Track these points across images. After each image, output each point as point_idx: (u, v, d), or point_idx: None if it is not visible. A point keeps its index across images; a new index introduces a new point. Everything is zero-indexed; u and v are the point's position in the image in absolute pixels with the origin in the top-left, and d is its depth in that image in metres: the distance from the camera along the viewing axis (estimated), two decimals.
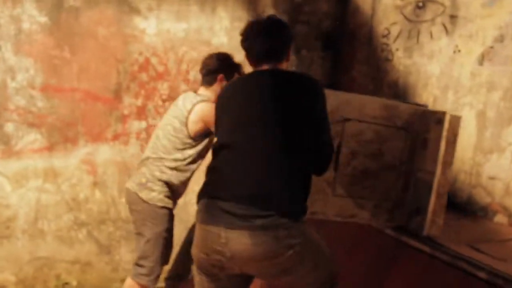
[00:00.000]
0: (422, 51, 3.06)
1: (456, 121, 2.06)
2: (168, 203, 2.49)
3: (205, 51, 3.33)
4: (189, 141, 2.42)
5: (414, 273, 2.05)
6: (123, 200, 3.19)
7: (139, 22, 3.11)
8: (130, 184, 2.51)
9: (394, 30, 3.27)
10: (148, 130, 3.25)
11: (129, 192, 2.51)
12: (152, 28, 3.17)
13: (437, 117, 2.07)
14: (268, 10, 3.52)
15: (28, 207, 2.99)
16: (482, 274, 1.77)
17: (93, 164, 3.11)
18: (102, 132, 3.11)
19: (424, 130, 2.12)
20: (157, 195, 2.43)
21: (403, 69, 3.21)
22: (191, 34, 3.30)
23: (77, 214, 3.11)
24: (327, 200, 2.06)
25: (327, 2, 3.75)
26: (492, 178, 2.58)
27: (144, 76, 3.20)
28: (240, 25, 3.36)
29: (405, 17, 3.16)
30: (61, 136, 3.00)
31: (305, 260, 1.63)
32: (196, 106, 2.41)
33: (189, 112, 2.41)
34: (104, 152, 3.13)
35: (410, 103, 2.41)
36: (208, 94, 2.55)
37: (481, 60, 2.68)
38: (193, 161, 2.49)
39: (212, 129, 2.30)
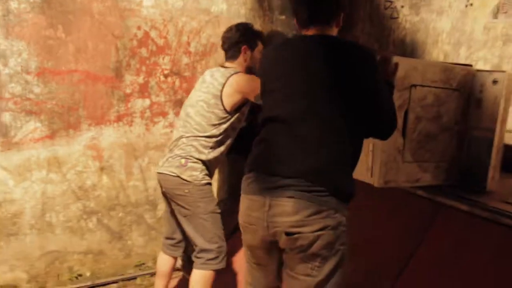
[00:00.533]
0: (431, 7, 3.09)
1: (511, 79, 2.15)
2: (209, 179, 2.52)
3: (204, 20, 3.31)
4: (225, 115, 2.43)
5: (453, 232, 2.20)
6: (132, 183, 3.21)
7: None
8: (167, 169, 2.46)
9: None
10: (152, 108, 3.23)
11: (167, 178, 2.46)
12: (148, 0, 3.13)
13: (494, 77, 2.15)
14: None
15: (34, 200, 2.92)
16: None
17: (98, 149, 3.05)
18: (105, 114, 3.04)
19: (478, 90, 2.21)
20: (199, 174, 2.45)
21: (410, 27, 3.26)
22: (189, 3, 3.21)
23: (86, 203, 3.06)
24: (398, 167, 2.13)
25: None
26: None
27: (144, 52, 3.12)
28: None
29: None
30: (62, 122, 2.91)
31: (327, 265, 1.65)
32: (230, 78, 2.41)
33: (223, 85, 2.41)
34: (109, 135, 3.06)
35: (458, 64, 2.48)
36: (235, 67, 2.53)
37: (496, 13, 2.75)
38: (228, 136, 2.51)
39: (251, 99, 2.39)
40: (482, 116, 2.18)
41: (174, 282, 3.09)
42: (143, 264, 3.29)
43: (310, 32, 1.80)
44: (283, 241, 1.67)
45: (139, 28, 3.05)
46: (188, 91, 3.28)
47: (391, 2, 3.35)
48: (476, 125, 2.21)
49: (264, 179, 1.69)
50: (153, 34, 3.11)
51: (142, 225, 3.26)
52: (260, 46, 2.59)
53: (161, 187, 2.58)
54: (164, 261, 2.67)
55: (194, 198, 2.45)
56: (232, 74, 2.43)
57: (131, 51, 3.05)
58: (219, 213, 2.52)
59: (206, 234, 2.47)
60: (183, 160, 2.43)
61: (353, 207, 1.80)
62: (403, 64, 1.99)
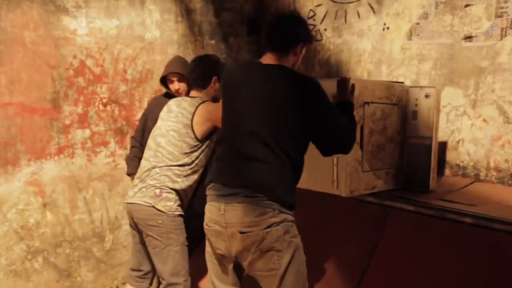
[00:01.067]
0: (351, 30, 3.55)
1: (439, 93, 2.62)
2: (181, 211, 2.57)
3: (139, 47, 3.46)
4: (197, 143, 2.54)
5: (404, 231, 2.59)
6: (77, 217, 3.21)
7: (68, 22, 3.04)
8: (140, 199, 2.51)
9: (320, 12, 3.72)
10: (93, 138, 3.28)
11: (141, 208, 2.51)
12: (83, 28, 3.15)
13: (426, 92, 2.61)
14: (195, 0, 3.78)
15: None
16: (467, 219, 2.37)
17: (40, 184, 3.01)
18: (45, 147, 3.02)
19: (413, 104, 2.65)
20: (173, 204, 2.51)
21: (334, 48, 3.69)
22: (124, 30, 3.33)
23: (30, 242, 2.99)
24: (359, 177, 2.46)
25: None
26: None
27: (81, 81, 3.16)
28: (170, 17, 3.57)
29: None
30: None
31: (284, 257, 1.94)
32: (200, 107, 2.52)
33: (193, 114, 2.52)
34: (50, 169, 3.05)
35: (393, 82, 2.90)
36: (202, 96, 2.67)
37: (410, 35, 3.25)
38: (200, 164, 2.61)
39: (219, 125, 2.44)
40: (418, 126, 2.62)
41: None
42: None
43: (268, 57, 2.08)
44: (239, 241, 1.95)
45: (74, 57, 3.10)
46: (127, 119, 3.41)
47: (314, 25, 3.79)
48: (415, 134, 2.64)
49: (220, 188, 2.02)
50: (89, 62, 3.18)
51: (90, 259, 3.25)
52: None
53: (131, 218, 2.60)
54: None
55: (166, 229, 2.51)
56: (200, 103, 2.55)
57: (68, 81, 3.09)
58: (187, 245, 2.61)
59: (175, 267, 2.55)
60: (157, 190, 2.50)
61: (308, 219, 2.13)
62: (358, 84, 2.34)
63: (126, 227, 3.43)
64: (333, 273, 2.67)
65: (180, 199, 2.58)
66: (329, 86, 2.25)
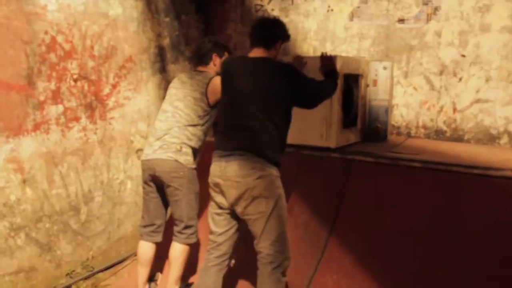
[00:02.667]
0: (298, 10, 3.92)
1: (393, 66, 3.26)
2: (195, 165, 2.96)
3: (104, 24, 3.48)
4: (208, 108, 2.91)
5: (365, 178, 3.09)
6: (54, 191, 3.22)
7: None
8: (164, 155, 2.83)
9: None
10: (66, 114, 3.25)
11: (164, 162, 2.83)
12: (52, 3, 3.09)
13: (384, 65, 3.20)
14: None
15: None
16: (416, 164, 2.93)
17: (19, 161, 2.94)
18: (22, 124, 2.95)
19: (374, 74, 3.23)
20: (191, 159, 2.88)
21: None
22: (90, 7, 3.31)
23: (12, 219, 2.93)
24: (342, 132, 3.05)
25: None
26: None
27: (53, 57, 3.11)
28: None
29: None
30: None
31: (269, 202, 2.40)
32: (213, 80, 2.90)
33: (207, 84, 2.90)
34: (28, 145, 2.98)
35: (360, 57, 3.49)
36: (208, 71, 3.03)
37: (351, 17, 3.72)
38: (208, 126, 2.97)
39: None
40: (378, 91, 3.19)
41: None
42: (73, 271, 3.31)
43: (255, 51, 2.60)
44: (235, 190, 2.39)
45: (46, 33, 3.05)
46: (96, 94, 3.44)
47: (262, 5, 4.09)
48: (375, 97, 3.22)
49: (221, 152, 2.49)
50: (60, 38, 3.15)
51: (68, 232, 3.27)
52: (226, 55, 3.10)
53: (149, 174, 2.92)
54: (146, 248, 2.94)
55: (187, 179, 2.88)
56: (212, 77, 2.91)
57: (40, 57, 3.03)
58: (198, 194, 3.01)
59: (191, 212, 2.93)
60: (179, 146, 2.84)
61: (284, 178, 2.56)
62: (340, 59, 2.83)
63: (98, 199, 3.50)
64: (309, 218, 3.10)
65: (194, 154, 2.93)
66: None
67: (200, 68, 3.08)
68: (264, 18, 3.03)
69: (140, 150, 3.76)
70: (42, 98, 3.06)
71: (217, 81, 2.89)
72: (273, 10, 4.00)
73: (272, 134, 2.48)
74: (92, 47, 3.34)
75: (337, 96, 2.94)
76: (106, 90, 3.47)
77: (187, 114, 2.91)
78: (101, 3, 3.38)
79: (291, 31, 3.96)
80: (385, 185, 2.97)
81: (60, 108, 3.19)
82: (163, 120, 2.96)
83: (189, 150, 2.90)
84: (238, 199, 2.44)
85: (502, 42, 3.24)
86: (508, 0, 3.20)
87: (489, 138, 3.37)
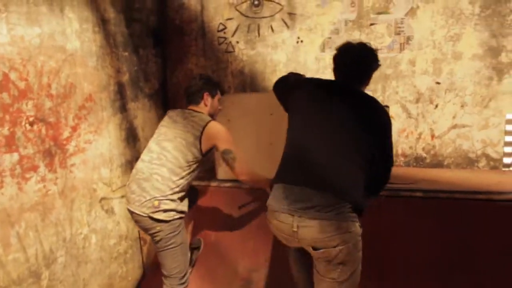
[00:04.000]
0: (265, 42, 3.74)
1: None
2: (181, 214, 2.72)
3: (61, 60, 3.04)
4: (199, 156, 2.70)
5: (368, 214, 2.91)
6: (11, 256, 2.66)
7: None
8: (138, 209, 2.63)
9: (231, 25, 3.82)
10: (22, 163, 2.74)
11: (140, 218, 2.66)
12: (4, 36, 2.63)
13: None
14: (108, 8, 3.42)
15: None
16: (418, 194, 2.81)
17: None
18: None
19: None
20: (172, 213, 2.64)
21: (247, 59, 3.81)
22: (46, 40, 2.86)
23: None
24: None
25: None
26: None
27: (6, 97, 2.62)
28: (88, 27, 3.24)
29: (242, 14, 3.79)
30: None
31: (347, 270, 2.09)
32: (210, 124, 2.71)
33: (203, 128, 2.68)
34: None
35: None
36: (200, 111, 2.84)
37: (323, 48, 3.63)
38: (193, 177, 2.80)
39: (220, 148, 2.75)
40: None
41: None
42: None
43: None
44: (311, 252, 2.10)
45: None
46: (55, 139, 2.95)
47: (225, 38, 3.86)
48: None
49: (290, 195, 2.13)
50: (13, 76, 2.67)
51: None
52: (218, 95, 2.89)
53: (134, 221, 2.80)
54: None
55: (165, 233, 2.68)
56: (210, 120, 2.75)
57: None
58: (186, 243, 2.85)
59: (174, 264, 2.77)
60: (156, 202, 2.60)
61: None
62: None
63: (61, 259, 2.96)
64: None
65: (179, 203, 2.72)
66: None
67: (192, 108, 2.88)
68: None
69: (104, 199, 3.31)
70: None
71: (219, 127, 2.75)
72: (238, 42, 3.80)
73: (360, 176, 2.14)
74: (49, 85, 2.89)
75: None
76: (66, 134, 3.00)
77: (175, 157, 2.68)
78: (58, 36, 2.95)
79: (258, 64, 3.84)
80: (388, 217, 2.82)
81: (15, 156, 2.68)
82: (146, 161, 2.75)
83: (169, 205, 2.66)
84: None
85: (474, 69, 3.30)
86: (476, 30, 3.28)
87: (468, 162, 3.39)
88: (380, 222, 2.85)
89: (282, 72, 3.81)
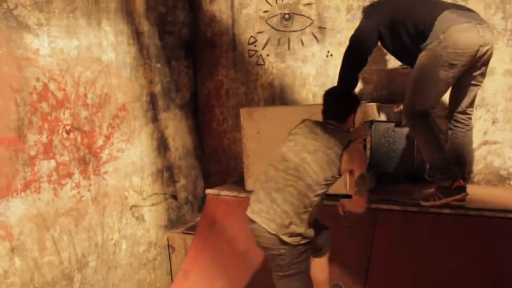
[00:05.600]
0: (295, 55, 3.77)
1: None
2: (310, 234, 2.37)
3: (97, 70, 3.16)
4: (337, 176, 2.40)
5: (395, 230, 2.92)
6: (46, 259, 2.78)
7: (30, 40, 2.65)
8: (267, 224, 2.27)
9: (262, 38, 3.87)
10: (58, 170, 2.85)
11: (264, 234, 2.29)
12: (45, 48, 2.75)
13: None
14: (143, 21, 3.55)
15: None
16: (446, 210, 2.79)
17: (6, 227, 2.49)
18: (11, 183, 2.53)
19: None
20: (300, 237, 2.29)
21: (277, 72, 3.86)
22: (83, 52, 2.98)
23: None
24: None
25: (182, 11, 4.02)
26: None
27: (45, 106, 2.74)
28: (123, 39, 3.37)
29: (272, 27, 3.85)
30: None
31: None
32: (352, 145, 2.42)
33: (346, 147, 2.38)
34: (17, 208, 2.55)
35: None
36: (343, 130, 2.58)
37: None
38: (326, 191, 2.45)
39: (357, 173, 2.41)
40: None
41: None
42: None
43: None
44: None
45: (37, 79, 2.69)
46: (89, 147, 3.07)
47: (256, 51, 3.93)
48: None
49: None
50: (52, 86, 2.79)
51: None
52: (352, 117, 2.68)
53: (253, 235, 2.41)
54: None
55: (290, 259, 2.32)
56: (352, 141, 2.46)
57: (32, 106, 2.65)
58: (308, 271, 2.49)
59: None
60: (287, 221, 2.26)
61: None
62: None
63: (92, 263, 3.06)
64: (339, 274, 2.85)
65: (305, 226, 2.34)
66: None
67: (333, 122, 2.55)
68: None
69: (134, 206, 3.40)
70: (33, 153, 2.66)
71: (357, 148, 2.48)
72: (268, 55, 3.85)
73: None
74: (85, 95, 3.01)
75: None
76: (100, 142, 3.11)
77: (315, 172, 2.35)
78: (95, 48, 3.08)
79: (288, 77, 3.88)
80: (415, 234, 2.79)
81: (52, 163, 2.79)
82: (281, 170, 2.40)
83: (300, 227, 2.30)
84: None
85: (506, 85, 3.25)
86: (509, 45, 3.24)
87: (499, 179, 3.32)
88: (403, 238, 2.83)
89: (311, 85, 3.84)
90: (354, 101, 2.65)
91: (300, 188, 2.33)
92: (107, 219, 3.19)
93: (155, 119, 3.66)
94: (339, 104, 2.61)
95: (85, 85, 3.02)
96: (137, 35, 3.46)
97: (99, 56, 3.13)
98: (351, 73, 3.02)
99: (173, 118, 3.87)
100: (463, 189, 2.75)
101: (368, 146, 3.24)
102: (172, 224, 3.80)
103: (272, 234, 2.28)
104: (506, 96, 3.26)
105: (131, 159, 3.41)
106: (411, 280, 2.69)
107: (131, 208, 3.39)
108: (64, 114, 2.88)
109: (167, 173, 3.78)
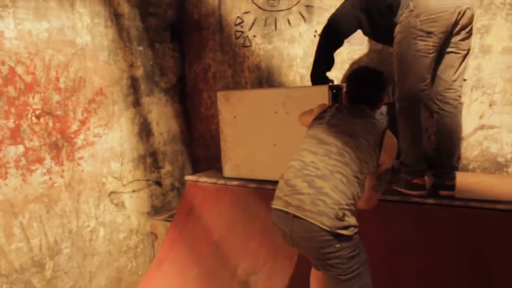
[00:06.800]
0: (282, 36, 3.65)
1: None
2: (356, 222, 2.07)
3: (71, 53, 3.13)
4: (375, 166, 2.15)
5: (375, 220, 2.79)
6: (14, 246, 2.77)
7: None
8: (317, 218, 1.92)
9: (248, 19, 3.76)
10: (27, 155, 2.85)
11: (310, 228, 1.95)
12: (11, 30, 2.74)
13: None
14: (122, 3, 3.48)
15: None
16: (430, 200, 2.67)
17: None
18: None
19: None
20: (352, 227, 1.99)
21: (264, 54, 3.75)
22: (54, 34, 2.96)
23: None
24: None
25: None
26: None
27: (11, 90, 2.74)
28: (100, 21, 3.31)
29: (259, 7, 3.73)
30: None
31: None
32: (388, 132, 2.18)
33: (383, 134, 2.14)
34: None
35: None
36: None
37: None
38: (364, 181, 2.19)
39: (387, 165, 2.18)
40: None
41: None
42: None
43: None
44: None
45: (3, 63, 2.67)
46: (62, 131, 3.05)
47: (242, 32, 3.83)
48: None
49: None
50: (19, 70, 2.78)
51: None
52: None
53: (284, 232, 2.09)
54: None
55: (346, 253, 1.99)
56: (387, 128, 2.21)
57: None
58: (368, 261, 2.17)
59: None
60: (341, 213, 1.93)
61: None
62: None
63: (66, 250, 3.06)
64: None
65: (355, 215, 2.06)
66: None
67: (365, 108, 2.29)
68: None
69: (113, 192, 3.38)
70: None
71: (393, 137, 2.20)
72: (255, 36, 3.75)
73: None
74: (57, 79, 2.98)
75: None
76: (74, 127, 3.08)
77: (358, 158, 2.07)
78: (67, 31, 3.04)
79: (275, 59, 3.75)
80: (396, 225, 2.67)
81: (20, 148, 2.78)
82: (321, 154, 2.09)
83: (352, 218, 2.00)
84: None
85: (504, 64, 3.05)
86: (508, 20, 3.04)
87: (497, 167, 3.14)
88: (384, 229, 2.71)
89: (299, 67, 3.72)
90: (387, 84, 2.43)
91: (348, 176, 2.05)
92: (83, 206, 3.17)
93: (136, 103, 3.61)
94: (373, 86, 2.31)
95: (57, 69, 2.99)
96: (115, 17, 3.40)
97: (72, 39, 3.08)
98: (327, 53, 2.95)
99: (157, 103, 3.82)
100: (422, 187, 2.68)
101: None
102: (156, 211, 3.78)
103: (325, 230, 1.94)
104: (504, 76, 3.07)
105: (110, 144, 3.37)
106: (391, 272, 2.58)
107: (109, 195, 3.36)
108: (33, 98, 2.85)
109: (150, 159, 3.75)
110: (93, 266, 3.26)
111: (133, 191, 3.58)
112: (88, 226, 3.22)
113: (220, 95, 3.27)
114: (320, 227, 1.92)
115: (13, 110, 2.75)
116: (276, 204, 2.09)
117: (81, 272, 3.17)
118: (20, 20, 2.77)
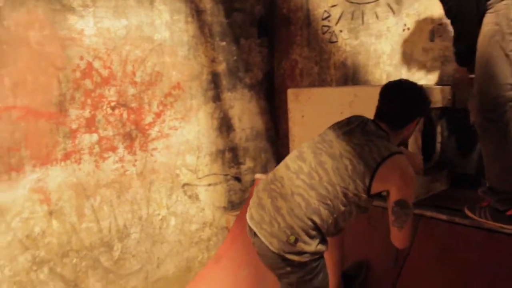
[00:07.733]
0: (369, 31, 3.39)
1: None
2: (322, 248, 1.99)
3: (148, 49, 3.34)
4: (362, 195, 1.94)
5: (434, 239, 2.50)
6: (84, 225, 3.04)
7: (75, 21, 2.92)
8: (268, 239, 1.93)
9: (335, 13, 3.58)
10: (101, 143, 3.15)
11: (264, 248, 1.96)
12: (90, 28, 3.04)
13: None
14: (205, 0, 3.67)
15: None
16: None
17: (45, 192, 2.86)
18: (51, 153, 2.87)
19: None
20: (308, 254, 1.93)
21: (350, 50, 3.53)
22: (132, 31, 3.20)
23: (35, 252, 2.83)
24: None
25: None
26: None
27: (88, 83, 3.04)
28: (180, 17, 3.45)
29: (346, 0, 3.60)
30: (3, 164, 2.68)
31: None
32: (395, 157, 1.92)
33: (383, 160, 1.90)
34: (56, 176, 2.90)
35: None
36: (393, 137, 2.06)
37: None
38: (351, 212, 2.03)
39: (397, 195, 1.93)
40: None
41: None
42: None
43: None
44: None
45: (81, 58, 2.96)
46: (136, 123, 3.29)
47: (329, 27, 3.67)
48: None
49: None
50: (96, 64, 3.05)
51: (98, 269, 3.09)
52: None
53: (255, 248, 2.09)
54: None
55: (298, 276, 1.97)
56: (396, 153, 1.95)
57: (74, 83, 2.95)
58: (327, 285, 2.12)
59: None
60: (292, 238, 1.87)
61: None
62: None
63: (135, 235, 3.30)
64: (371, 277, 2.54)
65: (316, 241, 1.95)
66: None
67: (382, 125, 2.05)
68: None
69: (187, 184, 3.51)
70: (74, 126, 2.95)
71: (400, 163, 1.93)
72: (341, 31, 3.53)
73: None
74: (133, 73, 3.19)
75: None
76: (149, 119, 3.29)
77: (330, 182, 1.92)
78: (146, 27, 3.24)
79: (361, 55, 3.51)
80: (459, 250, 2.29)
81: (95, 137, 3.05)
82: (291, 170, 2.03)
83: (309, 245, 1.91)
84: None
85: None
86: None
87: None
88: (445, 252, 2.31)
89: (385, 64, 3.38)
90: (423, 104, 2.10)
91: (311, 200, 1.92)
92: (154, 195, 3.36)
93: (217, 98, 3.70)
94: (401, 104, 2.05)
95: (134, 64, 3.20)
96: (197, 13, 3.52)
97: (150, 35, 3.28)
98: (462, 43, 2.42)
99: (241, 98, 3.85)
100: None
101: (439, 139, 2.74)
102: (233, 206, 3.83)
103: (274, 253, 1.93)
104: None
105: (186, 137, 3.52)
106: None
107: (183, 186, 3.51)
108: (109, 91, 3.11)
109: (229, 154, 3.81)
110: (161, 253, 3.44)
111: (209, 184, 3.68)
112: (159, 214, 3.40)
113: (290, 92, 3.17)
114: (269, 249, 1.95)
115: (89, 101, 3.03)
116: (247, 212, 2.13)
117: (149, 257, 3.37)
118: (100, 18, 3.04)
